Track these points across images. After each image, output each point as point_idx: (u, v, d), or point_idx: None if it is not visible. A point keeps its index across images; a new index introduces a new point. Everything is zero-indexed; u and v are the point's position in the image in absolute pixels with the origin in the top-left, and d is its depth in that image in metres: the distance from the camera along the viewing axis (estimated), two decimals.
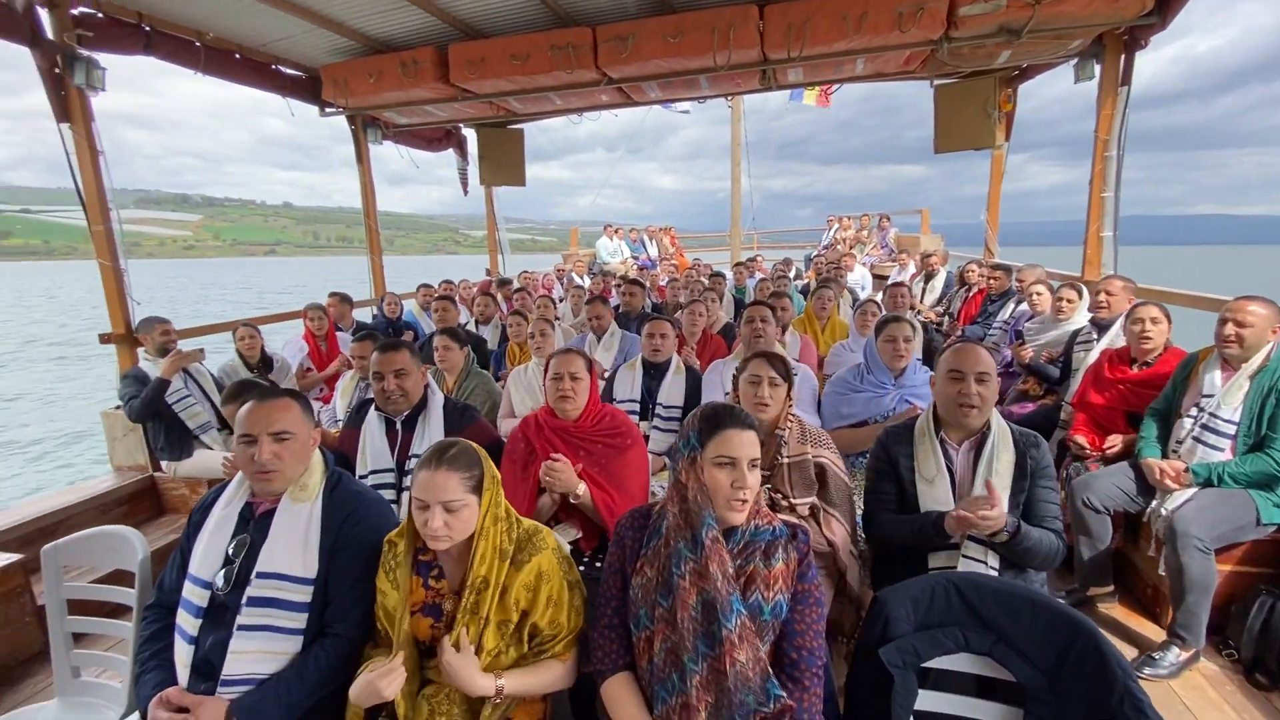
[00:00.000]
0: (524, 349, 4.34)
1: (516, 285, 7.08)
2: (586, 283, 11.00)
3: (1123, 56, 4.49)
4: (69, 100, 3.78)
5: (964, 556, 1.83)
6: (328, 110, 5.74)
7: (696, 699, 1.28)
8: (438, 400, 2.43)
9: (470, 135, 7.79)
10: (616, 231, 12.89)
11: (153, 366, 3.72)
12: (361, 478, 2.29)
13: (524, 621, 1.52)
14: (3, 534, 3.18)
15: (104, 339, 4.03)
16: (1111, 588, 2.79)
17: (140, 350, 3.89)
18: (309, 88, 5.51)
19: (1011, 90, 6.69)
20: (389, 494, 2.29)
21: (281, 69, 5.25)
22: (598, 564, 2.07)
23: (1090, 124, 4.68)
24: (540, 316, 3.39)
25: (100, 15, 3.89)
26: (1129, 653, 2.47)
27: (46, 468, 10.68)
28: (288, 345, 5.03)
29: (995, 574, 1.81)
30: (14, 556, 2.79)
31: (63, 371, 18.90)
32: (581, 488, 2.03)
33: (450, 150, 7.90)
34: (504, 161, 7.89)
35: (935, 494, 1.90)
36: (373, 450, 2.33)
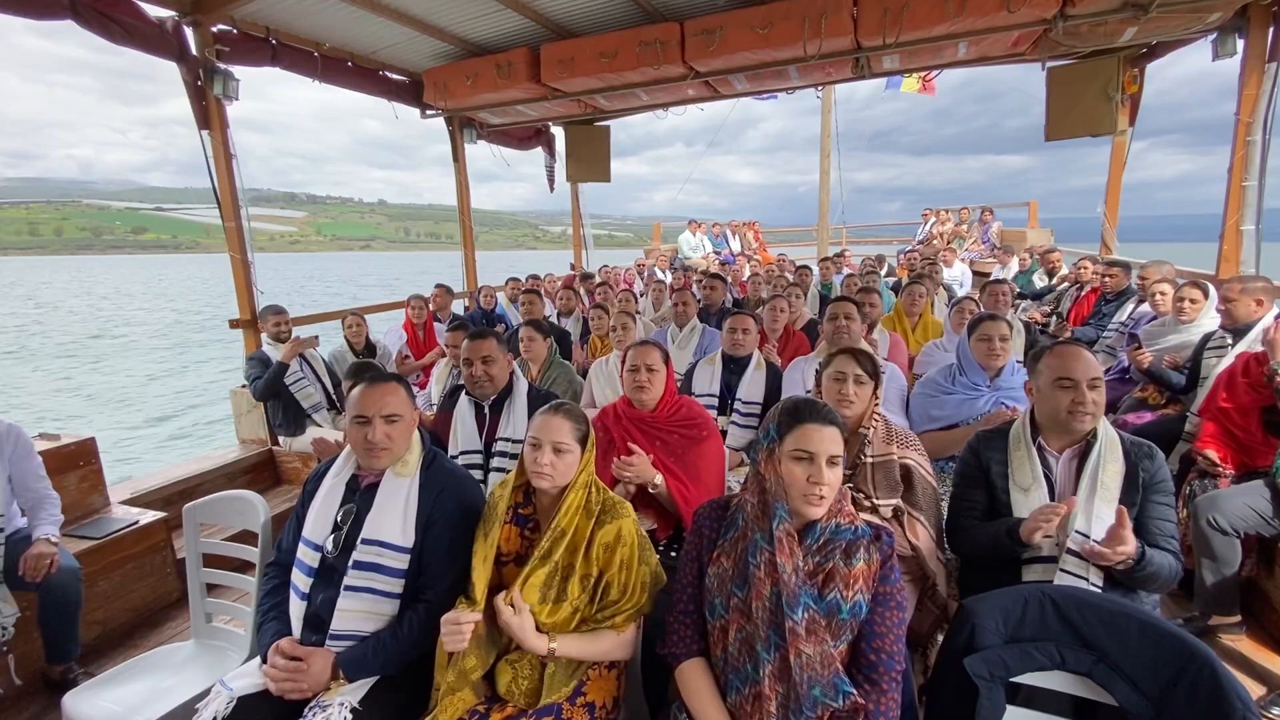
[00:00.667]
0: (605, 341, 4.43)
1: (598, 280, 7.22)
2: (668, 278, 11.09)
3: (1271, 29, 4.01)
4: (209, 109, 4.21)
5: (1062, 571, 1.72)
6: (428, 112, 6.07)
7: (769, 688, 1.28)
8: (522, 386, 2.54)
9: (558, 132, 8.03)
10: (700, 226, 12.87)
11: (274, 350, 4.10)
12: (453, 457, 2.43)
13: (599, 581, 1.60)
14: (149, 494, 3.61)
15: (234, 324, 4.47)
16: (1238, 618, 2.52)
17: (264, 335, 4.29)
18: (411, 91, 5.85)
19: (1138, 70, 6.12)
20: (477, 473, 2.42)
21: (388, 74, 5.60)
22: (672, 554, 2.10)
23: (1227, 106, 4.21)
24: (621, 310, 3.46)
25: (235, 31, 4.29)
26: (1255, 690, 2.23)
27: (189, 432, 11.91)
28: (389, 333, 5.39)
29: (1098, 591, 1.69)
30: (159, 514, 3.17)
31: (204, 353, 20.94)
32: (658, 478, 2.07)
33: (539, 148, 8.16)
34: (590, 158, 8.05)
35: (1030, 504, 1.79)
36: (463, 432, 2.48)
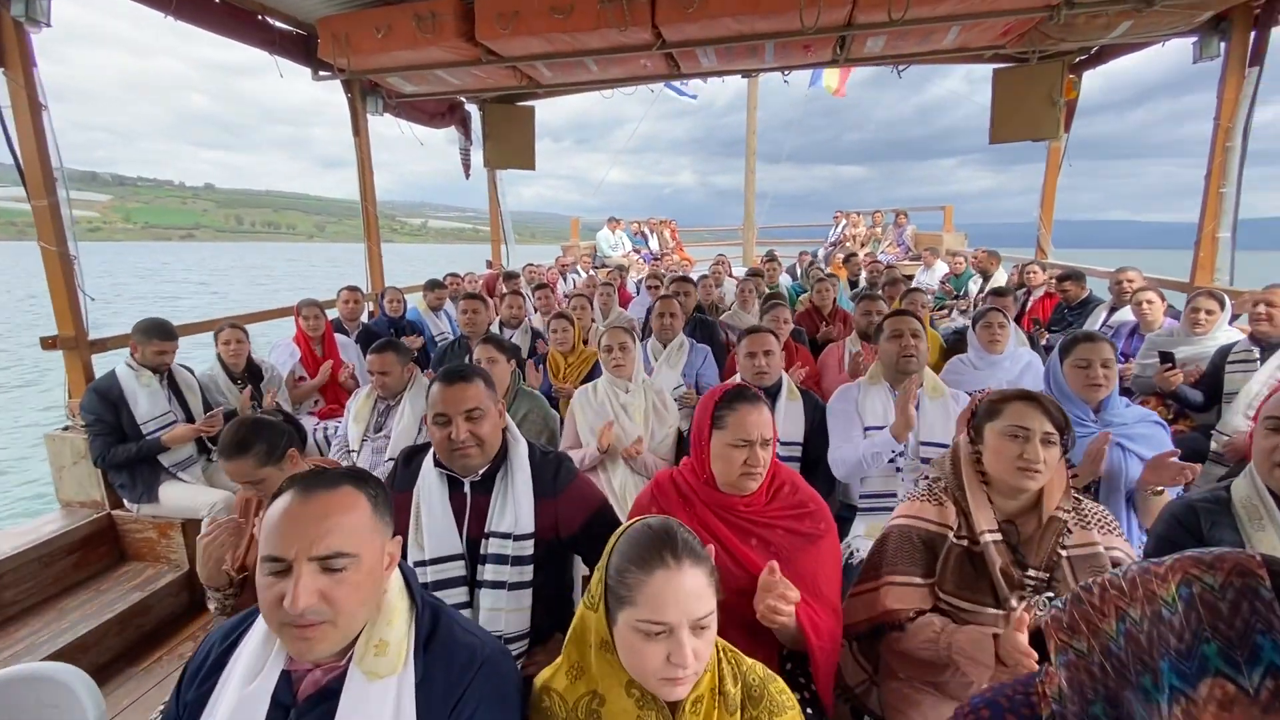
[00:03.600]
0: (569, 359, 3.63)
1: (535, 282, 6.35)
2: (585, 276, 10.31)
3: (1253, 33, 3.94)
4: (3, 38, 2.95)
5: None
6: (321, 74, 4.92)
7: None
8: (522, 450, 1.71)
9: (474, 111, 7.04)
10: (618, 224, 12.21)
11: (134, 378, 2.93)
12: (417, 566, 1.59)
13: None
14: None
15: (49, 344, 3.21)
16: None
17: (126, 361, 3.03)
18: (300, 45, 4.70)
19: (1076, 77, 6.16)
20: (457, 592, 1.58)
21: (269, 20, 4.42)
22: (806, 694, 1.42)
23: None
24: (617, 326, 2.70)
25: None
26: None
27: None
28: (275, 349, 4.24)
29: None
30: None
31: None
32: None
33: (453, 128, 7.12)
34: (512, 142, 7.13)
35: None
36: (433, 527, 1.62)
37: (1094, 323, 4.75)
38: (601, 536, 1.65)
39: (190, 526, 3.07)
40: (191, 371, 3.27)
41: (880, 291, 4.60)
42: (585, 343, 3.87)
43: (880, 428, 2.35)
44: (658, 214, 12.40)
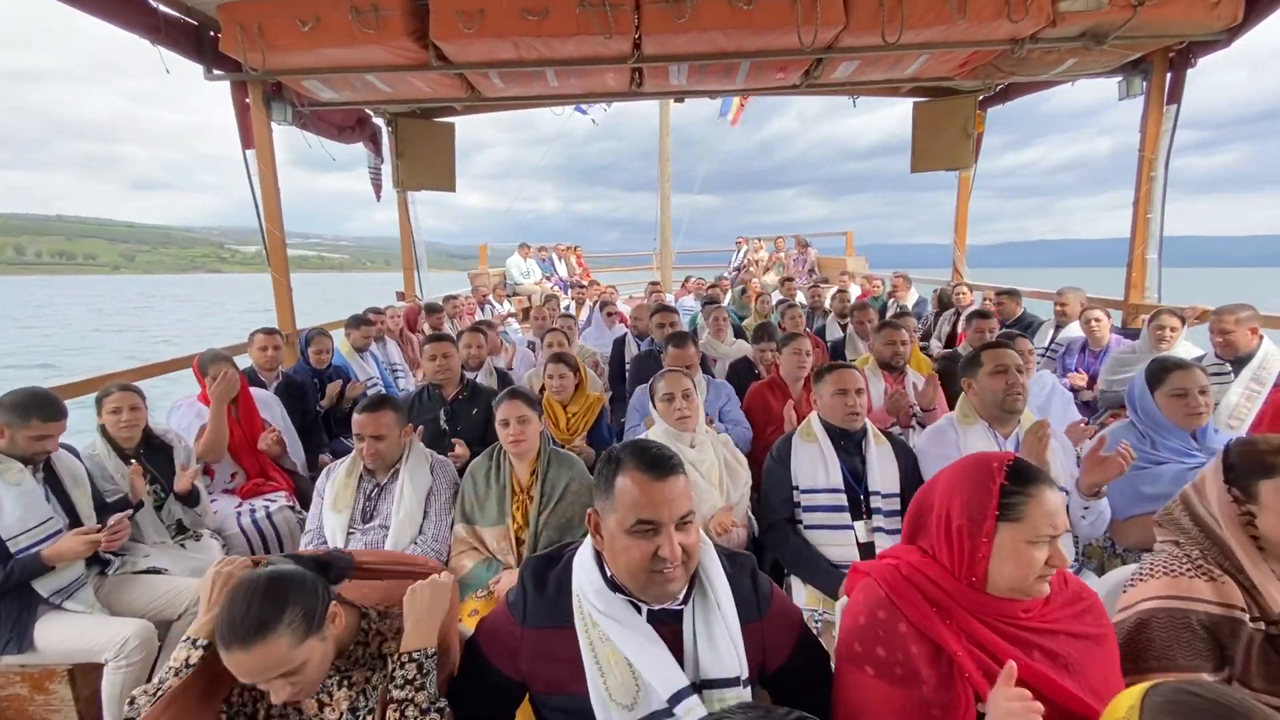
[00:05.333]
0: (571, 410, 3.13)
1: (475, 317, 5.70)
2: (507, 307, 9.65)
3: (1169, 74, 4.36)
4: None
5: None
6: (216, 73, 4.08)
7: None
8: (713, 556, 1.25)
9: (389, 127, 6.29)
10: (529, 250, 11.63)
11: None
12: None
13: None
14: None
15: None
16: None
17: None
18: (191, 36, 3.85)
19: (983, 113, 6.65)
20: None
21: (154, 3, 3.56)
22: None
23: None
24: (675, 371, 2.29)
25: None
26: None
27: None
28: (175, 412, 3.34)
29: None
30: None
31: None
32: None
33: (360, 144, 6.31)
34: (429, 161, 6.49)
35: None
36: (651, 672, 1.13)
37: (1042, 340, 5.00)
38: (812, 669, 1.24)
39: (82, 673, 2.20)
40: (76, 454, 2.41)
41: (883, 318, 4.54)
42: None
43: None
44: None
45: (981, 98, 6.44)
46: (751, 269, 12.81)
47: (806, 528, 2.17)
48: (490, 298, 9.40)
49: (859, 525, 2.13)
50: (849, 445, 2.26)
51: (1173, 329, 3.78)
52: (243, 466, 3.34)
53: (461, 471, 2.44)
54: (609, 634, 1.15)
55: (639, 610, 1.19)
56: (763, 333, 3.74)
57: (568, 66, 3.93)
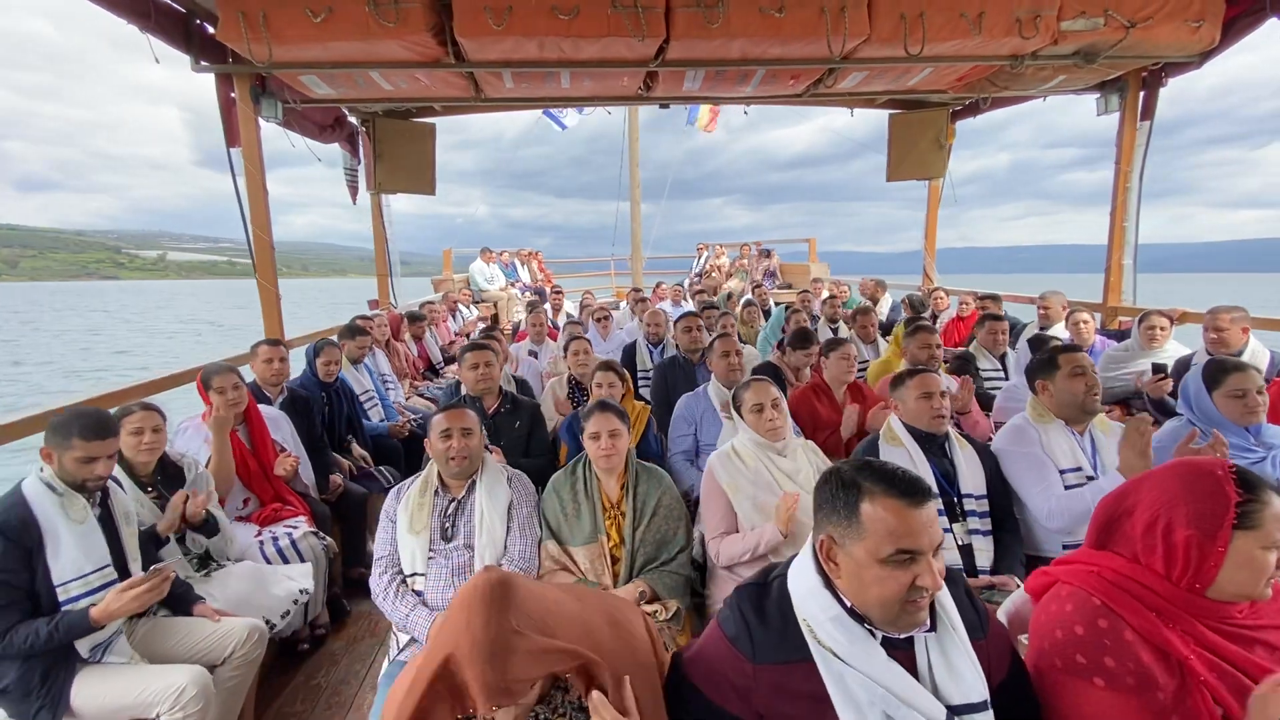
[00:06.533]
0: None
1: (448, 324, 5.48)
2: (473, 313, 9.38)
3: (1143, 93, 4.68)
4: None
5: None
6: (204, 64, 3.77)
7: None
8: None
9: (364, 128, 6.01)
10: (492, 255, 11.36)
11: (55, 505, 1.79)
12: None
13: None
14: None
15: None
16: None
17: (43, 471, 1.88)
18: (179, 24, 3.55)
19: (954, 125, 6.96)
20: None
21: None
22: None
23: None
24: (760, 380, 2.25)
25: None
26: None
27: None
28: (182, 434, 3.04)
29: None
30: None
31: None
32: None
33: (337, 144, 5.99)
34: (408, 164, 6.22)
35: None
36: (911, 701, 1.09)
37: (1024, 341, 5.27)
38: (1020, 684, 1.22)
39: None
40: (120, 485, 2.15)
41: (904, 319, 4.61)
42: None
43: (1074, 470, 2.21)
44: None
45: (953, 110, 6.74)
46: (714, 274, 12.96)
47: None
48: (460, 304, 9.14)
49: (956, 528, 2.15)
50: (933, 448, 2.28)
51: (1162, 329, 4.03)
52: (255, 493, 3.07)
53: None
54: (857, 665, 1.10)
55: (875, 638, 1.15)
56: (803, 338, 3.74)
57: (585, 68, 3.85)
